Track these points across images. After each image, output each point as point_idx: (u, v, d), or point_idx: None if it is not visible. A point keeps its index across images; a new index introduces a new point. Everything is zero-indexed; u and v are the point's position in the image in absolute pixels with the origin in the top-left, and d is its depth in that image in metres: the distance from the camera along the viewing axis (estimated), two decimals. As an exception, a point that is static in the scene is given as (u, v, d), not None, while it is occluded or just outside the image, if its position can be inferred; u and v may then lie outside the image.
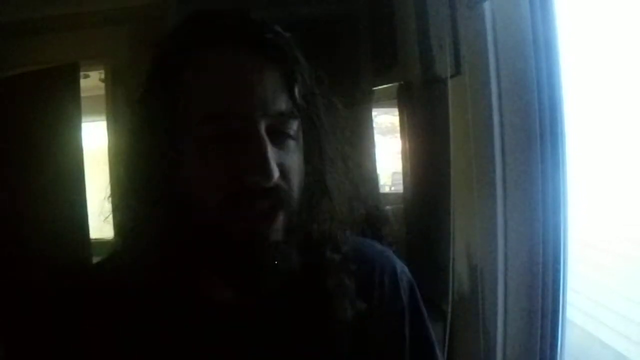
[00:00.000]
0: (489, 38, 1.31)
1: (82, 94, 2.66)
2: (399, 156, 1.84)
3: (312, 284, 0.62)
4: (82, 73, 2.75)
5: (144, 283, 0.57)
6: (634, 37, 1.23)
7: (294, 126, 0.58)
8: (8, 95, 2.61)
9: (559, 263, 1.31)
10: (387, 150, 1.95)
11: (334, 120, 0.64)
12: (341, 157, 0.65)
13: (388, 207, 1.84)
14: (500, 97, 1.31)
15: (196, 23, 0.60)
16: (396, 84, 1.87)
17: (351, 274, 0.63)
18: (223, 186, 0.55)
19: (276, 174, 0.55)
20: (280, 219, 0.57)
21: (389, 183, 1.98)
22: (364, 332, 0.63)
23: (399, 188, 1.87)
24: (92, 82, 3.26)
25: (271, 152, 0.55)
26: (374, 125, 2.01)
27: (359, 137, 0.66)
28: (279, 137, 0.57)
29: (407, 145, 1.81)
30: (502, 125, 1.31)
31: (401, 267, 0.72)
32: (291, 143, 0.58)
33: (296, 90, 0.58)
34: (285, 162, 0.57)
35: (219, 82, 0.56)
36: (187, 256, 0.58)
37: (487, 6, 1.31)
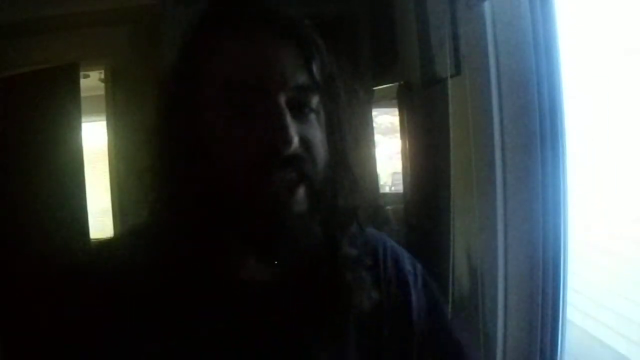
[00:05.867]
0: (489, 38, 1.31)
1: (82, 94, 2.66)
2: (399, 156, 1.84)
3: (333, 268, 0.64)
4: (82, 73, 2.75)
5: (171, 258, 0.58)
6: (633, 36, 1.23)
7: (314, 100, 0.60)
8: (8, 95, 2.61)
9: (559, 263, 1.31)
10: (387, 150, 1.95)
11: (353, 100, 0.67)
12: (360, 136, 0.67)
13: (388, 207, 1.84)
14: (500, 97, 1.31)
15: (223, 5, 0.63)
16: (396, 84, 1.87)
17: (367, 265, 0.65)
18: (244, 155, 0.57)
19: (295, 140, 0.56)
20: (302, 189, 0.58)
21: (389, 183, 1.98)
22: (375, 322, 0.65)
23: (399, 188, 1.87)
24: (92, 82, 3.26)
25: (291, 121, 0.57)
26: (374, 125, 2.01)
27: (362, 133, 0.70)
28: (299, 110, 0.59)
29: (407, 145, 1.81)
30: (502, 125, 1.31)
31: (403, 253, 0.74)
32: (312, 117, 0.60)
33: (314, 67, 0.60)
34: (306, 134, 0.59)
35: (244, 56, 0.59)
36: (214, 229, 0.59)
37: (487, 6, 1.31)
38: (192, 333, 0.57)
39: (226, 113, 0.58)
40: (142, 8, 2.55)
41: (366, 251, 0.67)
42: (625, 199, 1.38)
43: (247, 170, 0.57)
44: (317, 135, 0.60)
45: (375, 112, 2.02)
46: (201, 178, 0.59)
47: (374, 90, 1.98)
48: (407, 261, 0.73)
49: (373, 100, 1.98)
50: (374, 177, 0.70)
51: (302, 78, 0.59)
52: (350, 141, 0.65)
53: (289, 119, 0.57)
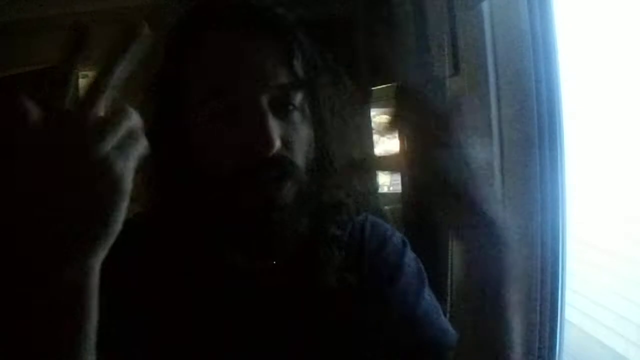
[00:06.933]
0: (488, 38, 1.31)
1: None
2: (398, 156, 1.84)
3: (313, 254, 0.65)
4: (82, 73, 2.75)
5: (169, 254, 0.60)
6: (633, 37, 1.22)
7: (298, 98, 0.61)
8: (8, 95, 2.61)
9: (557, 263, 1.31)
10: (386, 150, 1.95)
11: (339, 92, 0.67)
12: (345, 127, 0.67)
13: (387, 207, 1.84)
14: (498, 96, 1.31)
15: (203, 8, 0.64)
16: (395, 84, 1.87)
17: (342, 246, 0.66)
18: (229, 160, 0.58)
19: (277, 144, 0.57)
20: (289, 186, 0.59)
21: (388, 183, 1.98)
22: (359, 301, 0.65)
23: (398, 188, 1.86)
24: (92, 82, 3.25)
25: (272, 123, 0.57)
26: (373, 125, 2.01)
27: (352, 127, 0.72)
28: (282, 109, 0.60)
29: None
30: (500, 124, 1.31)
31: (392, 232, 0.75)
32: (296, 115, 0.61)
33: (295, 64, 0.60)
34: (290, 133, 0.60)
35: (222, 59, 0.59)
36: (208, 226, 0.61)
37: (485, 6, 1.31)
38: (184, 321, 0.59)
39: (211, 117, 0.58)
40: (141, 8, 2.55)
41: (352, 235, 0.68)
42: (624, 198, 1.38)
43: (233, 174, 0.58)
44: (301, 132, 0.61)
45: (374, 112, 2.01)
46: (191, 181, 0.60)
47: (372, 90, 1.98)
48: (396, 242, 0.73)
49: (371, 100, 1.98)
50: (366, 168, 0.72)
51: (283, 77, 0.59)
52: (333, 135, 0.65)
53: (270, 121, 0.57)
